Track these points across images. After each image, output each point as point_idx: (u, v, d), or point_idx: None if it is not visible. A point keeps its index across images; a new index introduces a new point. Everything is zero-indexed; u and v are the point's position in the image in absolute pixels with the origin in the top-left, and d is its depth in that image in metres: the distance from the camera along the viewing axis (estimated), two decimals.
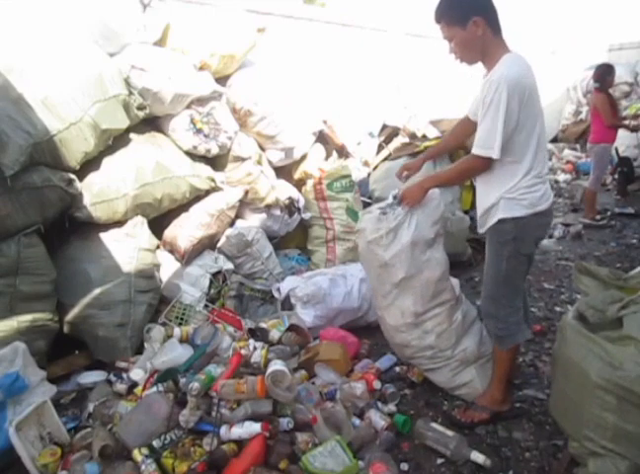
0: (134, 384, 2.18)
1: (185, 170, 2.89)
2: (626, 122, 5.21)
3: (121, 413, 1.94)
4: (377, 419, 1.99)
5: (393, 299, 2.09)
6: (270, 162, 3.49)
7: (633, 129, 5.42)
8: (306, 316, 2.71)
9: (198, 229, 2.92)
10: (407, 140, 4.37)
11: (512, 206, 1.83)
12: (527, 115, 1.75)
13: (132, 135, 2.83)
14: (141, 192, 2.67)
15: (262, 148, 3.43)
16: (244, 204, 3.32)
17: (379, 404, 2.13)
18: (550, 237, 4.65)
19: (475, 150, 1.80)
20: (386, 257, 2.01)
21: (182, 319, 2.67)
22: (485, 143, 1.77)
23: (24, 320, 2.30)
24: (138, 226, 2.71)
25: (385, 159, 4.42)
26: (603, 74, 4.81)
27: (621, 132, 5.32)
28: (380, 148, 4.54)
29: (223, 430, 1.76)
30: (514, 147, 1.78)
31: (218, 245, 3.15)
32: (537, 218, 1.86)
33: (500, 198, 1.84)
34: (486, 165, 1.81)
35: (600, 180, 5.31)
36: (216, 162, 3.23)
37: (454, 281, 2.23)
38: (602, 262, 3.89)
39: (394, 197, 2.05)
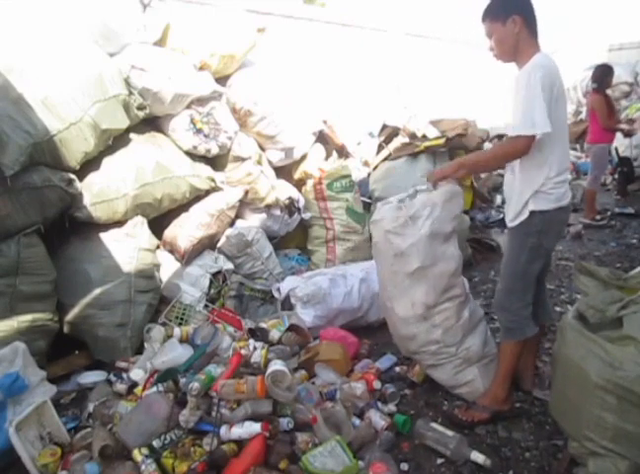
0: (134, 384, 2.17)
1: (185, 170, 2.89)
2: (622, 126, 5.19)
3: (121, 413, 1.94)
4: (377, 419, 1.99)
5: (405, 289, 2.09)
6: (270, 162, 3.49)
7: (627, 134, 5.40)
8: (306, 316, 2.71)
9: (198, 229, 2.92)
10: (407, 140, 4.36)
11: (541, 200, 1.88)
12: (557, 108, 1.80)
13: (132, 135, 2.83)
14: (141, 192, 2.67)
15: (262, 148, 3.43)
16: (244, 204, 3.32)
17: (379, 404, 2.13)
18: None
19: (515, 131, 1.80)
20: (403, 246, 2.02)
21: (182, 319, 2.67)
22: (524, 123, 1.77)
23: (24, 320, 2.30)
24: (138, 226, 2.71)
25: (385, 159, 4.42)
26: (602, 75, 4.80)
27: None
28: (380, 148, 4.54)
29: (223, 430, 1.76)
30: (547, 140, 1.81)
31: (218, 245, 3.15)
32: (560, 213, 1.92)
33: (534, 192, 1.88)
34: (527, 146, 1.80)
35: (599, 180, 5.31)
36: (216, 162, 3.23)
37: (464, 280, 2.24)
38: (602, 262, 3.88)
39: (416, 191, 2.09)
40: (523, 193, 1.91)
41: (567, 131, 1.93)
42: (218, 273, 2.96)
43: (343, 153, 4.22)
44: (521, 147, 1.82)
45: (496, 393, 2.07)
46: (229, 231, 3.17)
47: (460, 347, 2.13)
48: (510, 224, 2.02)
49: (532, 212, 1.90)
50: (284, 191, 3.49)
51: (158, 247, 2.92)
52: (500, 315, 2.10)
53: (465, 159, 2.10)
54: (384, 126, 4.63)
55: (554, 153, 1.85)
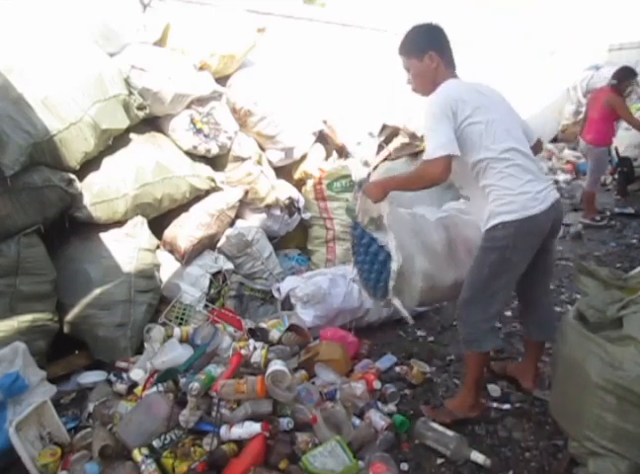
0: (134, 384, 2.17)
1: (185, 170, 2.89)
2: None
3: (121, 413, 1.94)
4: (377, 419, 1.99)
5: None
6: (270, 162, 3.49)
7: None
8: (306, 316, 2.71)
9: (198, 229, 2.92)
10: (407, 140, 4.36)
11: (499, 212, 1.79)
12: (468, 117, 1.77)
13: (132, 135, 2.82)
14: (141, 192, 2.67)
15: (262, 148, 3.43)
16: (244, 204, 3.32)
17: (379, 404, 2.12)
18: None
19: (424, 157, 1.79)
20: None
21: (182, 319, 2.67)
22: (433, 151, 1.74)
23: (24, 320, 2.30)
24: (138, 226, 2.71)
25: (385, 159, 4.42)
26: (626, 76, 4.74)
27: (620, 132, 5.32)
28: (380, 148, 4.54)
29: (223, 430, 1.76)
30: (470, 151, 1.79)
31: (218, 245, 3.15)
32: (530, 222, 1.77)
33: (490, 208, 1.82)
34: (439, 171, 1.74)
35: (599, 182, 5.30)
36: (216, 162, 3.23)
37: None
38: (602, 262, 3.88)
39: (359, 185, 2.11)
40: (483, 210, 1.85)
41: (505, 138, 1.80)
42: (218, 273, 2.96)
43: (343, 153, 4.22)
44: (434, 170, 1.75)
45: (464, 399, 2.06)
46: (229, 231, 3.17)
47: None
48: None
49: (494, 226, 1.80)
50: (284, 191, 3.49)
51: (158, 247, 2.92)
52: (458, 325, 2.05)
53: (388, 182, 2.03)
54: (384, 126, 4.63)
55: (490, 160, 1.79)
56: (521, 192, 1.77)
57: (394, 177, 2.13)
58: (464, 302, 1.95)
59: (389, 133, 4.56)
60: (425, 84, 1.95)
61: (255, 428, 1.73)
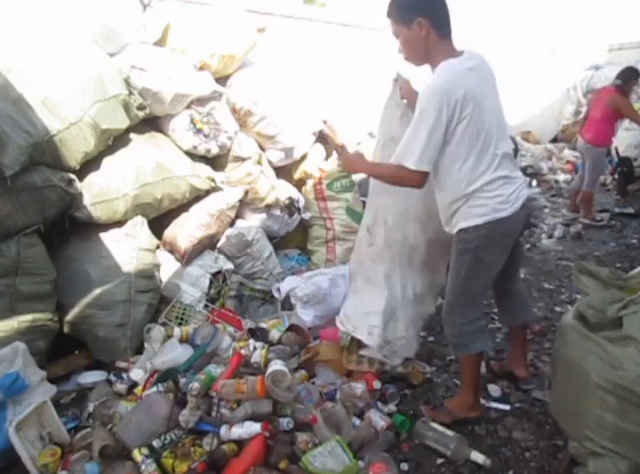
0: (134, 384, 2.18)
1: (185, 170, 2.89)
2: None
3: (121, 413, 1.94)
4: (377, 419, 1.99)
5: None
6: (270, 162, 3.49)
7: None
8: (306, 316, 2.71)
9: (198, 229, 2.92)
10: None
11: (470, 214, 1.78)
12: (463, 119, 1.68)
13: (132, 135, 2.82)
14: (141, 192, 2.67)
15: (262, 148, 3.42)
16: (244, 204, 3.32)
17: (379, 404, 2.12)
18: (550, 237, 4.66)
19: (407, 158, 1.72)
20: None
21: (182, 319, 2.67)
22: (403, 154, 1.71)
23: (24, 320, 2.30)
24: (138, 226, 2.71)
25: None
26: (631, 76, 4.73)
27: (620, 132, 5.32)
28: None
29: (223, 430, 1.76)
30: (456, 152, 1.73)
31: (218, 245, 3.14)
32: (501, 225, 1.76)
33: (457, 207, 1.80)
34: (418, 182, 1.73)
35: (598, 182, 5.30)
36: (216, 162, 3.23)
37: None
38: (602, 262, 3.88)
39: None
40: (447, 206, 1.83)
41: (493, 136, 1.75)
42: (218, 273, 2.96)
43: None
44: (406, 176, 1.73)
45: (463, 399, 2.06)
46: (229, 231, 3.17)
47: None
48: (446, 229, 1.94)
49: (465, 229, 1.79)
50: (284, 191, 3.49)
51: (158, 247, 2.92)
52: (445, 328, 2.05)
53: (367, 165, 1.98)
54: None
55: (469, 164, 1.73)
56: (495, 195, 1.76)
57: (377, 165, 2.04)
58: (448, 306, 1.97)
59: None
60: (415, 53, 1.81)
61: (255, 428, 1.73)
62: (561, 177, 6.95)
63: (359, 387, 2.09)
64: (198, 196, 3.02)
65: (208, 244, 3.06)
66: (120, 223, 2.68)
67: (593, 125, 4.86)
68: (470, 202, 1.77)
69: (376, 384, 2.18)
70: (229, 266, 3.03)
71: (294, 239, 3.73)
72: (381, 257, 2.29)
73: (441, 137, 1.70)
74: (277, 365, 1.89)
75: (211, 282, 2.89)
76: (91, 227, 2.63)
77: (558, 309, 3.12)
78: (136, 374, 2.18)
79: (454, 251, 1.88)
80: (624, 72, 4.78)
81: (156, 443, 1.72)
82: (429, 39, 1.74)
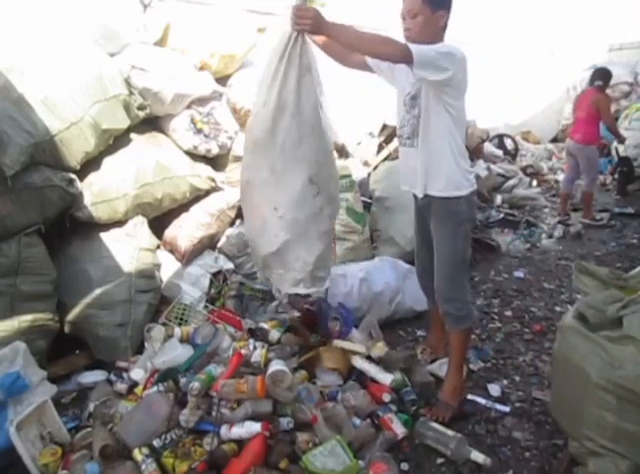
0: (135, 384, 2.17)
1: (185, 170, 2.89)
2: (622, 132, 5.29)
3: (122, 413, 1.93)
4: (398, 426, 1.94)
5: None
6: None
7: (621, 141, 5.43)
8: None
9: (198, 229, 2.92)
10: None
11: (463, 183, 1.95)
12: (463, 93, 1.94)
13: (133, 135, 2.82)
14: (142, 191, 2.67)
15: None
16: None
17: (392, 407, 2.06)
18: (550, 237, 4.66)
19: (409, 47, 1.72)
20: None
21: (182, 319, 2.67)
22: (417, 50, 1.72)
23: (24, 320, 2.30)
24: (139, 226, 2.71)
25: (385, 159, 4.42)
26: (608, 77, 4.86)
27: (621, 133, 5.33)
28: (380, 148, 4.54)
29: (223, 429, 1.76)
30: (457, 119, 1.92)
31: (219, 245, 3.14)
32: (475, 197, 2.03)
33: (454, 173, 1.94)
34: (403, 49, 1.72)
35: (596, 181, 5.31)
36: (217, 162, 3.23)
37: None
38: (602, 262, 3.89)
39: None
40: (442, 167, 1.95)
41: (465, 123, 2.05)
42: (218, 272, 2.96)
43: (343, 153, 4.22)
44: (399, 54, 1.73)
45: (454, 384, 2.10)
46: (229, 231, 3.17)
47: None
48: (419, 194, 2.03)
49: (458, 198, 1.94)
50: None
51: (158, 247, 2.92)
52: (448, 307, 2.06)
53: (329, 24, 1.85)
54: (384, 126, 4.63)
55: (459, 138, 1.94)
56: (471, 170, 2.04)
57: (339, 24, 1.89)
58: (450, 283, 2.03)
59: (389, 133, 4.56)
60: (425, 35, 1.87)
61: (255, 427, 1.73)
62: (561, 177, 6.95)
63: (360, 396, 2.04)
64: (198, 195, 3.02)
65: (209, 244, 3.06)
66: (120, 223, 2.68)
67: (581, 126, 4.91)
68: (464, 172, 1.96)
69: (386, 397, 2.06)
70: (229, 266, 3.03)
71: None
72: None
73: (447, 76, 1.79)
74: (277, 365, 1.89)
75: (212, 282, 2.90)
76: (91, 227, 2.63)
77: (558, 309, 3.12)
78: (137, 374, 2.17)
79: (446, 226, 2.01)
80: (604, 74, 4.88)
81: (156, 443, 1.72)
82: (440, 29, 1.94)
